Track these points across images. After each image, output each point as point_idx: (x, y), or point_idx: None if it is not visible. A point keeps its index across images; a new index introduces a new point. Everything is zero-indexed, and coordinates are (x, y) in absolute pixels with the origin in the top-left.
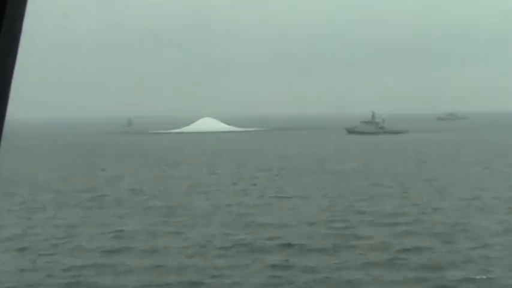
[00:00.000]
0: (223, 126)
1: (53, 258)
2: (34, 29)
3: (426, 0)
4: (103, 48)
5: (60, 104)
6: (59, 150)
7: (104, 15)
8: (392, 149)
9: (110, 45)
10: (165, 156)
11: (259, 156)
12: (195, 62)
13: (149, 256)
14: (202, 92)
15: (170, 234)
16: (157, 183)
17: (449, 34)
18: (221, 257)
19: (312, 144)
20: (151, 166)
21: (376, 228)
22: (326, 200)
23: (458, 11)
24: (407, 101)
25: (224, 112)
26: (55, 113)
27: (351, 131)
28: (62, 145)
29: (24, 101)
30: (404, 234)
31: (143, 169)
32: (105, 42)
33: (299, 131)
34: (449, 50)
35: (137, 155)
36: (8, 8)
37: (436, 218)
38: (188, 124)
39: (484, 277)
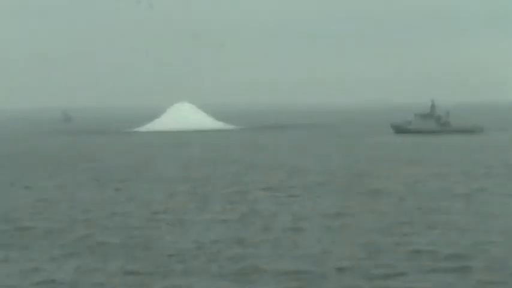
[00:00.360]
0: (204, 120)
1: None
2: None
3: None
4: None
5: None
6: None
7: None
8: (467, 157)
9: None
10: (120, 168)
11: (262, 168)
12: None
13: None
14: (174, 76)
15: None
16: (109, 207)
17: None
18: None
19: (340, 151)
20: (99, 182)
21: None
22: (363, 233)
23: None
24: (464, 83)
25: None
26: None
27: (400, 129)
28: None
29: None
30: None
31: (87, 187)
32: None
33: (318, 130)
34: None
35: (77, 166)
36: None
37: None
38: (152, 118)
39: None
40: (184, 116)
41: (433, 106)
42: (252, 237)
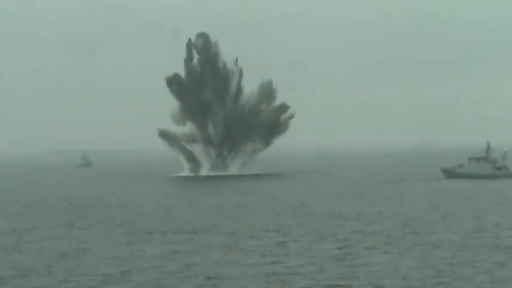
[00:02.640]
0: None
1: None
2: None
3: None
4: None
5: None
6: None
7: None
8: None
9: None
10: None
11: (310, 216)
12: None
13: None
14: None
15: None
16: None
17: None
18: None
19: (391, 198)
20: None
21: None
22: None
23: None
24: None
25: None
26: None
27: (451, 174)
28: None
29: None
30: None
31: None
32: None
33: (362, 173)
34: None
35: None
36: None
37: None
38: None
39: None
40: None
41: (488, 148)
42: None
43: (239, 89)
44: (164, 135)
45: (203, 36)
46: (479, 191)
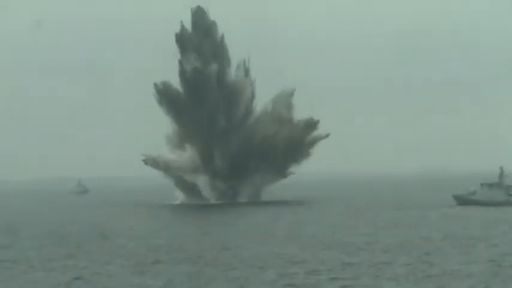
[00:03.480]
0: None
1: None
2: None
3: None
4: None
5: None
6: None
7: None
8: None
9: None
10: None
11: (319, 246)
12: None
13: None
14: None
15: None
16: None
17: None
18: None
19: (403, 225)
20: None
21: None
22: None
23: None
24: None
25: None
26: None
27: (463, 201)
28: None
29: None
30: None
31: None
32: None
33: (373, 200)
34: None
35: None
36: None
37: None
38: None
39: None
40: None
41: (501, 174)
42: None
43: (251, 106)
44: (154, 163)
45: (200, 14)
46: (491, 218)
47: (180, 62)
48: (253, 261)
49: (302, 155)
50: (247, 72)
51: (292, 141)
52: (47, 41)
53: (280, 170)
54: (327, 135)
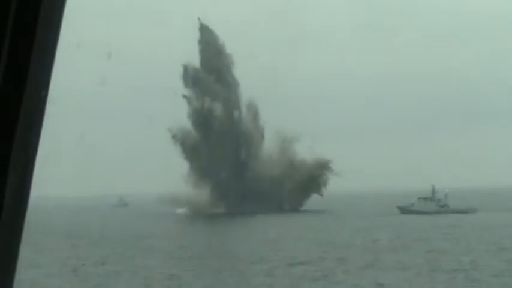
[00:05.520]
0: None
1: None
2: None
3: None
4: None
5: None
6: None
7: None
8: (456, 234)
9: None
10: None
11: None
12: None
13: None
14: None
15: None
16: None
17: None
18: None
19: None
20: None
21: None
22: None
23: None
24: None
25: None
26: None
27: (405, 210)
28: None
29: None
30: None
31: None
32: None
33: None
34: None
35: None
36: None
37: None
38: None
39: None
40: None
41: (433, 190)
42: None
43: (258, 151)
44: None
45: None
46: (427, 224)
47: (189, 100)
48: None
49: (314, 190)
50: (255, 115)
51: (304, 180)
52: None
53: (294, 206)
54: (339, 175)
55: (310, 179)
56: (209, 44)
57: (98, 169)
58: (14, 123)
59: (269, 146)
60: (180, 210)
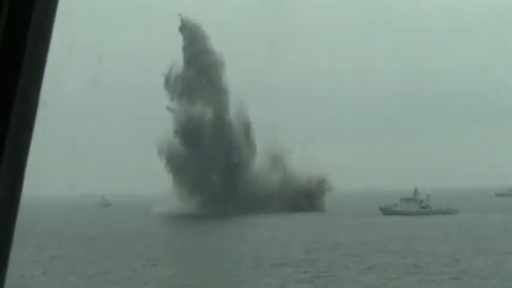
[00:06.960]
0: None
1: None
2: None
3: None
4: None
5: None
6: None
7: None
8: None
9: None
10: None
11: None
12: None
13: None
14: None
15: None
16: None
17: None
18: None
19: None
20: None
21: None
22: None
23: None
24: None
25: None
26: None
27: (387, 212)
28: None
29: None
30: None
31: None
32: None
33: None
34: None
35: None
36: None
37: None
38: None
39: None
40: None
41: (415, 191)
42: None
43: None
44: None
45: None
46: (409, 225)
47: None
48: None
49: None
50: (247, 126)
51: (298, 197)
52: None
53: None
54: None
55: (305, 196)
56: (194, 42)
57: (86, 169)
58: (5, 124)
59: (261, 153)
60: (159, 210)
